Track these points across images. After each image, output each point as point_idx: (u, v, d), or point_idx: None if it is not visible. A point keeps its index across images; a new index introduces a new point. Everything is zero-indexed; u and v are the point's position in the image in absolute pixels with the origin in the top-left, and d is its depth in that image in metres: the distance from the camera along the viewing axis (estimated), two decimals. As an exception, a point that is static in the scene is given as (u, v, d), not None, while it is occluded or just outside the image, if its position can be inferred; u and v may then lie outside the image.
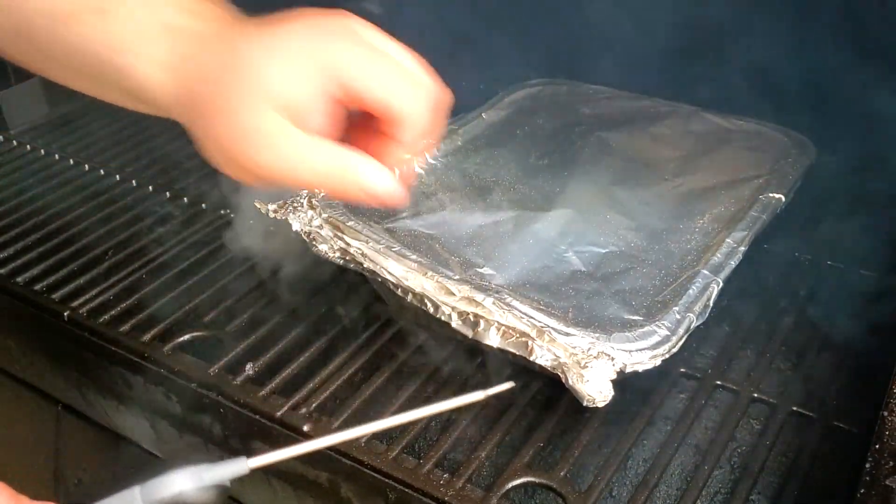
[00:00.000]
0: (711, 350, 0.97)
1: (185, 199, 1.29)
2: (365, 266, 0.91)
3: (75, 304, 1.06)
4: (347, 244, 0.92)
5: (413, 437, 0.87)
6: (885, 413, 0.57)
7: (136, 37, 0.65)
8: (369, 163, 0.62)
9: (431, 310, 0.87)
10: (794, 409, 0.89)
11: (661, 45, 1.22)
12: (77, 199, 1.30)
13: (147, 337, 1.00)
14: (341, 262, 0.94)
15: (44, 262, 1.15)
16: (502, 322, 0.84)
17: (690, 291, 0.87)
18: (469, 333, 0.85)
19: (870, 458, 0.58)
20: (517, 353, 0.83)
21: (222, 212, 1.25)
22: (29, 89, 1.55)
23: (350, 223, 0.95)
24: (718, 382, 0.93)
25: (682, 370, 0.94)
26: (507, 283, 0.89)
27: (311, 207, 0.95)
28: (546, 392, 0.92)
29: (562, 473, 0.82)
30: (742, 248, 0.93)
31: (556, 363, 0.80)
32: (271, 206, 0.95)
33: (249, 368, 0.95)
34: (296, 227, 0.95)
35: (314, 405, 0.90)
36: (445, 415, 0.91)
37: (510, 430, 0.89)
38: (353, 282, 1.07)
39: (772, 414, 0.89)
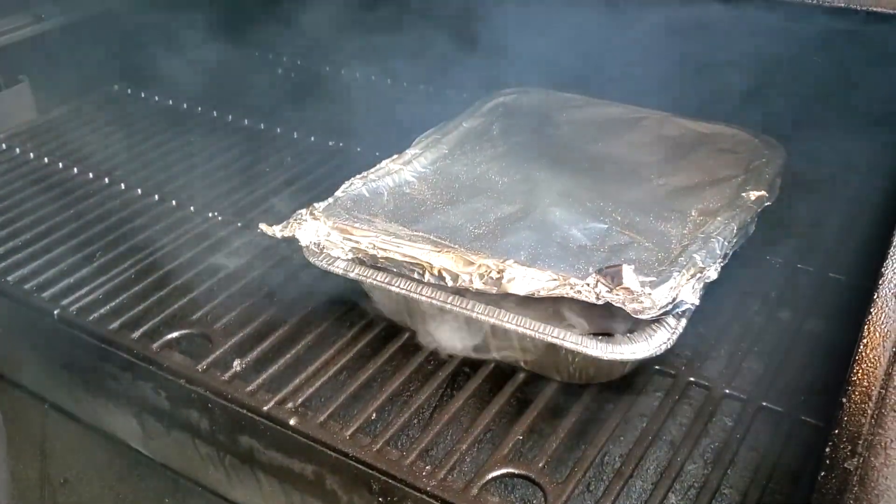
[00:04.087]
0: (685, 349, 0.99)
1: (174, 202, 1.31)
2: (379, 257, 0.93)
3: (65, 302, 1.08)
4: (358, 242, 0.95)
5: (396, 431, 0.89)
6: (844, 400, 0.60)
7: None
8: None
9: (450, 282, 0.89)
10: (764, 404, 0.92)
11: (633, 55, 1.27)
12: (66, 201, 1.32)
13: (136, 334, 1.02)
14: (347, 268, 0.95)
15: (34, 261, 1.17)
16: (528, 274, 0.86)
17: (693, 247, 0.91)
18: (493, 290, 0.87)
19: (829, 443, 0.61)
20: (549, 295, 0.85)
21: (210, 214, 1.27)
22: (18, 94, 1.57)
23: (357, 225, 0.97)
24: (692, 379, 0.96)
25: (656, 367, 0.97)
26: (520, 262, 0.90)
27: (315, 219, 0.97)
28: (525, 389, 0.95)
29: (540, 465, 0.85)
30: (734, 224, 0.96)
31: (594, 294, 0.83)
32: (277, 228, 0.97)
33: (237, 365, 0.97)
34: (305, 241, 0.96)
35: (300, 400, 0.93)
36: (427, 410, 0.94)
37: (490, 426, 0.91)
38: (339, 282, 1.09)
39: (743, 409, 0.92)
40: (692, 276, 0.86)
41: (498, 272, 0.88)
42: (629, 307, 0.82)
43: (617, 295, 0.82)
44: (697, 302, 0.85)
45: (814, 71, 1.17)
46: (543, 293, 0.85)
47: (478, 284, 0.88)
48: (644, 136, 1.20)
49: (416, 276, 0.91)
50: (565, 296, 0.84)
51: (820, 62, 1.14)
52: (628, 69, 1.29)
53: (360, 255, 0.95)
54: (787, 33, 1.12)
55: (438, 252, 0.91)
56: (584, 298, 0.83)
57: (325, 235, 0.96)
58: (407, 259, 0.92)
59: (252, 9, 1.71)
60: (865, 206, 1.17)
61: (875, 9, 0.68)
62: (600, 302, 0.82)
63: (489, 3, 1.36)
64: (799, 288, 1.09)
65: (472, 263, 0.89)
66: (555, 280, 0.85)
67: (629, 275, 0.82)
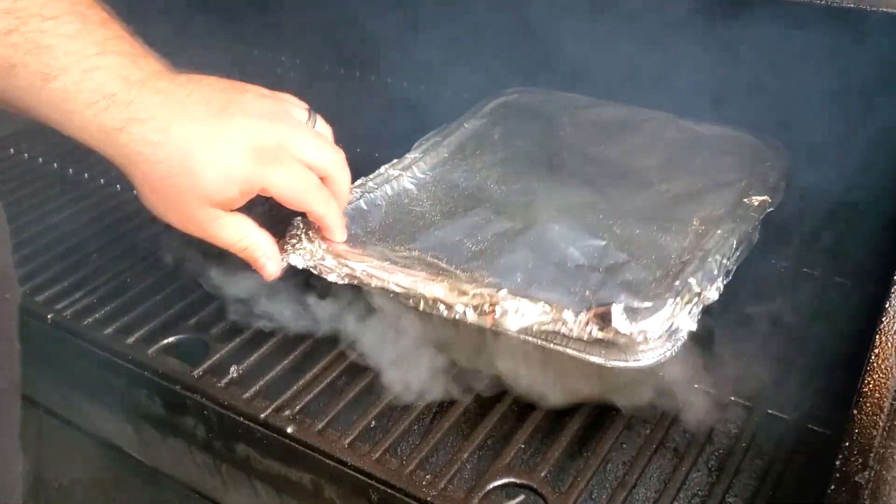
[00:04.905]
0: (689, 355, 0.98)
1: (170, 203, 1.29)
2: (373, 285, 0.91)
3: (59, 306, 1.06)
4: (353, 269, 0.93)
5: (396, 439, 0.88)
6: (855, 411, 0.59)
7: (74, 104, 0.74)
8: (268, 249, 0.87)
9: (445, 312, 0.87)
10: (770, 411, 0.91)
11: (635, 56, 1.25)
12: (61, 202, 1.31)
13: (131, 339, 1.01)
14: (346, 282, 0.94)
15: (27, 264, 1.15)
16: (521, 308, 0.84)
17: (690, 268, 0.89)
18: (487, 324, 0.85)
19: (840, 456, 0.59)
20: (542, 331, 0.83)
21: (207, 217, 1.26)
22: (13, 94, 1.55)
23: (352, 246, 0.95)
24: (696, 386, 0.94)
25: (659, 374, 0.95)
26: (514, 290, 0.88)
27: (310, 241, 0.95)
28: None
29: (542, 474, 0.83)
30: (733, 239, 0.94)
31: (586, 333, 0.81)
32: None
33: (234, 371, 0.96)
34: (300, 265, 0.94)
35: (298, 407, 0.91)
36: (427, 418, 0.92)
37: (492, 433, 0.90)
38: (336, 287, 1.07)
39: (748, 416, 0.91)
40: (688, 302, 0.84)
41: (490, 305, 0.86)
42: (621, 342, 0.80)
43: (608, 334, 0.80)
44: (695, 327, 0.84)
45: (819, 73, 1.16)
46: (535, 328, 0.84)
47: (471, 317, 0.86)
48: (647, 139, 1.19)
49: (410, 304, 0.90)
50: (557, 331, 0.82)
51: (826, 64, 1.12)
52: (632, 69, 1.27)
53: (354, 282, 0.93)
54: (794, 35, 1.10)
55: (433, 280, 0.89)
56: (576, 336, 0.81)
57: (320, 259, 0.94)
58: (401, 290, 0.90)
59: (250, 8, 1.69)
60: (871, 209, 1.16)
61: (887, 10, 0.67)
62: (591, 340, 0.81)
63: (490, 2, 1.35)
64: (804, 292, 1.07)
65: (465, 293, 0.87)
66: (547, 314, 0.83)
67: (618, 317, 0.80)
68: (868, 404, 0.58)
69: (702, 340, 1.00)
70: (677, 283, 0.87)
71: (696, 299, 0.85)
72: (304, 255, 0.94)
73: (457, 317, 0.87)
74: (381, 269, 0.92)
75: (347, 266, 0.93)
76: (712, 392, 0.94)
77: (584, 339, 0.81)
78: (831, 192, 1.20)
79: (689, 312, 0.84)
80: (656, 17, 1.25)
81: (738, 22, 1.16)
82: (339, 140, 1.42)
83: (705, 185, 1.07)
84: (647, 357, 0.81)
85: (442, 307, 0.88)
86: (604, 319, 0.80)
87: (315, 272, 0.94)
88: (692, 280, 0.87)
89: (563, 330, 0.82)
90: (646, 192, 1.07)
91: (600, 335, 0.80)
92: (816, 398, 0.92)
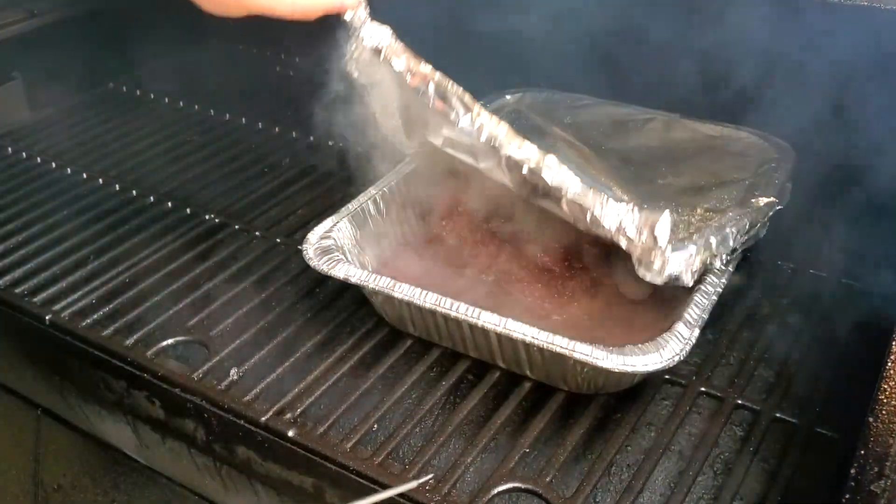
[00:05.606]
0: (695, 357, 0.97)
1: (170, 203, 1.28)
2: (436, 79, 0.91)
3: (58, 307, 1.05)
4: (418, 61, 0.92)
5: (398, 443, 0.87)
6: (871, 419, 0.57)
7: None
8: None
9: (484, 139, 0.88)
10: (777, 415, 0.89)
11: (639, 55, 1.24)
12: (59, 202, 1.29)
13: (130, 341, 0.99)
14: (349, 273, 0.94)
15: (26, 264, 1.14)
16: (564, 176, 0.86)
17: (707, 231, 0.90)
18: (525, 166, 0.87)
19: (855, 464, 0.58)
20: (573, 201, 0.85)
21: (207, 216, 1.25)
22: (10, 92, 1.54)
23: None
24: (702, 389, 0.93)
25: (666, 377, 0.94)
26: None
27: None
28: (531, 398, 0.92)
29: (547, 479, 0.82)
30: (746, 221, 0.94)
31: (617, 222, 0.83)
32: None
33: (234, 373, 0.95)
34: (369, 42, 0.93)
35: (299, 410, 0.90)
36: (430, 420, 0.91)
37: (495, 437, 0.89)
38: (338, 288, 1.07)
39: (755, 420, 0.90)
40: (701, 260, 0.85)
41: (536, 164, 0.86)
42: (635, 256, 0.81)
43: (640, 236, 0.81)
44: (691, 283, 0.85)
45: (822, 71, 1.14)
46: (570, 195, 0.84)
47: (514, 152, 0.87)
48: (651, 139, 1.18)
49: (452, 115, 0.90)
50: (589, 206, 0.83)
51: (828, 61, 1.11)
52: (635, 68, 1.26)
53: (411, 70, 0.92)
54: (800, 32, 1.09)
55: (491, 115, 0.90)
56: (604, 223, 0.82)
57: (383, 39, 0.93)
58: (457, 94, 0.90)
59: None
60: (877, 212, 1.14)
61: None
62: (611, 234, 0.81)
63: (492, 3, 1.33)
64: (810, 294, 1.06)
65: (518, 140, 0.88)
66: (586, 191, 0.84)
67: (664, 224, 0.80)
68: (884, 412, 0.57)
69: (708, 343, 0.99)
70: (696, 236, 0.88)
71: (708, 259, 0.85)
72: (375, 28, 0.93)
73: (497, 147, 0.87)
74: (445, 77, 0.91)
75: (413, 60, 0.92)
76: (719, 395, 0.93)
77: (612, 229, 0.82)
78: (837, 193, 1.19)
79: (695, 267, 0.84)
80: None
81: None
82: (340, 139, 1.42)
83: (709, 182, 1.06)
84: (654, 361, 0.80)
85: (486, 132, 0.88)
86: (648, 220, 0.81)
87: (380, 48, 0.93)
88: (713, 239, 0.88)
89: (597, 211, 0.83)
90: (649, 186, 1.06)
91: (632, 235, 0.82)
92: (825, 401, 0.91)
